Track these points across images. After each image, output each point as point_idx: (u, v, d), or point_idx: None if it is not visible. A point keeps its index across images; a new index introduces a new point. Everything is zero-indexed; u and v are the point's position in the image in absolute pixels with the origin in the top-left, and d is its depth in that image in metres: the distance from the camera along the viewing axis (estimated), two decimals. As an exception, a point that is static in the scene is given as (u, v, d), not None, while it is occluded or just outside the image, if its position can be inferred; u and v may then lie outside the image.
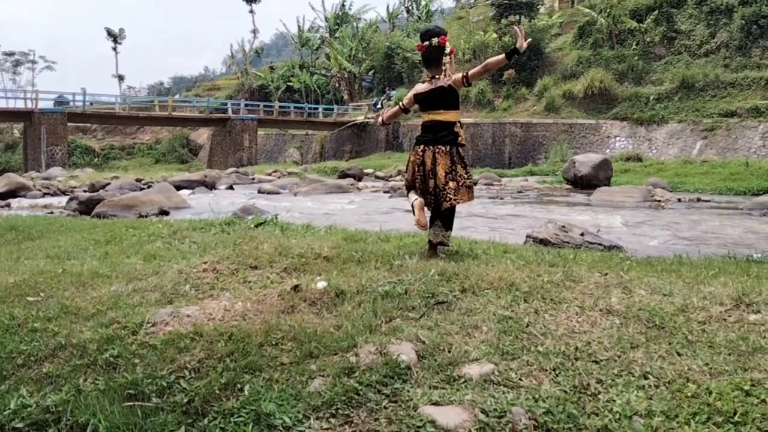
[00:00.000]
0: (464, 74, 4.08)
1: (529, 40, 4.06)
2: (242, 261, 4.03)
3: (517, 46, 3.95)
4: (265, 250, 4.24)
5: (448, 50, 4.12)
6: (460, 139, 4.15)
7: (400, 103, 4.41)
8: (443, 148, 4.08)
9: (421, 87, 4.23)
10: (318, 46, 53.03)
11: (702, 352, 2.44)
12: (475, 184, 21.43)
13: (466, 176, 4.11)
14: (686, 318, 2.76)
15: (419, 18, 51.01)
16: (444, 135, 4.11)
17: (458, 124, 4.18)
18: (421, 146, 4.15)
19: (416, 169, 4.15)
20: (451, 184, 4.06)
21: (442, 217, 4.16)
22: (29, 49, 68.87)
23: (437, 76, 4.14)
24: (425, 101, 4.18)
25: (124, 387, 2.48)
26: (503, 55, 4.04)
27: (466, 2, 52.70)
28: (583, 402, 2.18)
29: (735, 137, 26.20)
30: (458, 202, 4.10)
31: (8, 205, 14.31)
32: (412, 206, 4.18)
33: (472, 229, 9.10)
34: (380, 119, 4.78)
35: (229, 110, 40.71)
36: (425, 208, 4.18)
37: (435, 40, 4.12)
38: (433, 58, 4.16)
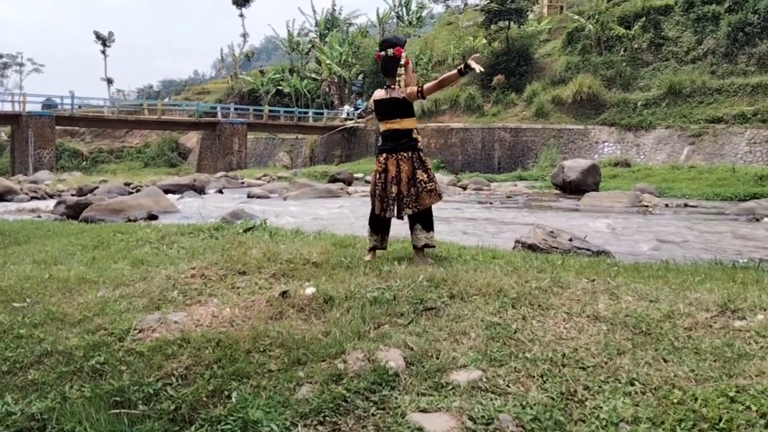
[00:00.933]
0: (419, 88, 4.18)
1: (477, 55, 4.21)
2: (231, 266, 4.02)
3: (468, 61, 4.04)
4: (254, 255, 4.23)
5: (402, 61, 4.18)
6: (419, 144, 4.26)
7: (368, 105, 4.62)
8: (406, 155, 4.17)
9: (378, 93, 4.32)
10: (308, 51, 53.02)
11: (688, 359, 2.46)
12: (465, 188, 21.57)
13: (427, 180, 4.17)
14: (672, 324, 2.78)
15: (410, 23, 51.13)
16: (405, 142, 4.20)
17: (416, 131, 4.28)
18: (384, 155, 4.23)
19: (378, 177, 4.24)
20: (413, 190, 4.14)
21: (420, 219, 4.19)
22: (17, 52, 68.54)
23: (392, 86, 4.22)
24: (382, 111, 4.27)
25: (111, 394, 2.46)
26: (456, 71, 4.14)
27: (455, 8, 52.91)
28: (570, 409, 2.19)
29: (722, 143, 26.44)
30: (418, 209, 4.15)
31: (-6, 209, 14.18)
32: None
33: (460, 234, 9.12)
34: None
35: (219, 114, 40.59)
36: (393, 217, 4.27)
37: (390, 51, 4.20)
38: (388, 68, 4.24)
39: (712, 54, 30.28)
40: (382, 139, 4.30)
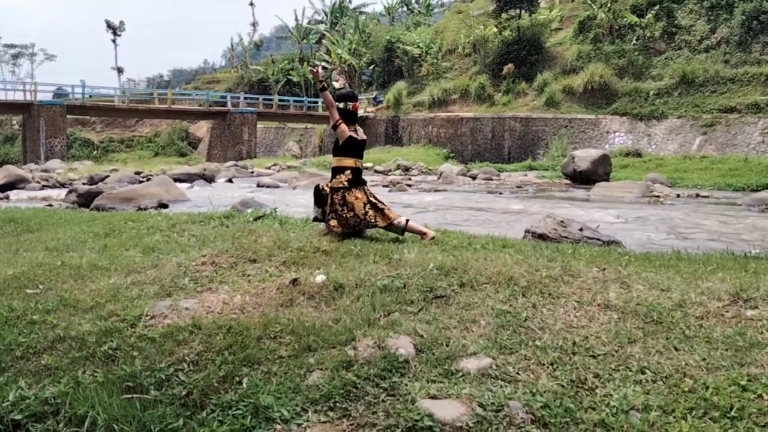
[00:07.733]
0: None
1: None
2: (241, 254, 4.03)
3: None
4: (264, 243, 4.24)
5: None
6: None
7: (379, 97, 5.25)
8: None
9: (355, 135, 5.05)
10: (318, 40, 52.88)
11: (699, 348, 2.45)
12: (474, 178, 21.49)
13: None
14: (684, 313, 2.76)
15: (419, 12, 50.85)
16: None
17: None
18: (363, 187, 4.98)
19: (365, 205, 4.87)
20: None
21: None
22: (29, 42, 68.81)
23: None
24: (359, 150, 5.14)
25: (123, 379, 2.48)
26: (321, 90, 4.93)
27: (466, -4, 52.48)
28: (580, 396, 2.19)
29: (734, 133, 26.18)
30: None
31: (7, 198, 14.31)
32: None
33: (470, 224, 9.10)
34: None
35: (229, 103, 40.59)
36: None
37: (351, 105, 5.06)
38: (353, 117, 5.10)
39: (725, 43, 29.92)
40: (355, 175, 4.98)
